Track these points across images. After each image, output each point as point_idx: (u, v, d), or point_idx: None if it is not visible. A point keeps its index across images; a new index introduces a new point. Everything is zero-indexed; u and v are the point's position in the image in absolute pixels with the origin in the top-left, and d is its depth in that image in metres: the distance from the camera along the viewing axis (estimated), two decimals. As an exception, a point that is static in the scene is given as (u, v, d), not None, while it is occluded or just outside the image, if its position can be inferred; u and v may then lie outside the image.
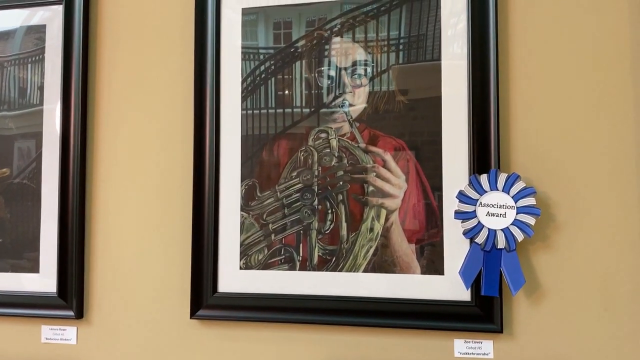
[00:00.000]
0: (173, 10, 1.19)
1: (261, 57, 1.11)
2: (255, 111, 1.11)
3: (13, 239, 1.22)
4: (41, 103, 1.22)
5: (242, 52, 1.12)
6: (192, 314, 1.10)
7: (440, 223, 1.01)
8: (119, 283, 1.17)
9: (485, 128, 0.99)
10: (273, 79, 1.10)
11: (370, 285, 1.03)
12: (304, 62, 1.09)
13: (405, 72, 1.04)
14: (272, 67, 1.10)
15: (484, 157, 0.99)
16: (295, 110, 1.09)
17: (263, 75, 1.11)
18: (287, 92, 1.09)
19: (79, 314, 1.17)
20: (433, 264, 1.01)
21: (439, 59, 1.03)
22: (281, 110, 1.09)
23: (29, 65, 1.24)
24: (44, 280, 1.20)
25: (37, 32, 1.23)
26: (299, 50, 1.09)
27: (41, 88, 1.23)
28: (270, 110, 1.10)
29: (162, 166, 1.17)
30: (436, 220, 1.01)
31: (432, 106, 1.02)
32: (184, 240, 1.13)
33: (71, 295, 1.17)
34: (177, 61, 1.17)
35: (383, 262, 1.03)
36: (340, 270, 1.04)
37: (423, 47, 1.04)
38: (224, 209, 1.11)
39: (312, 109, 1.08)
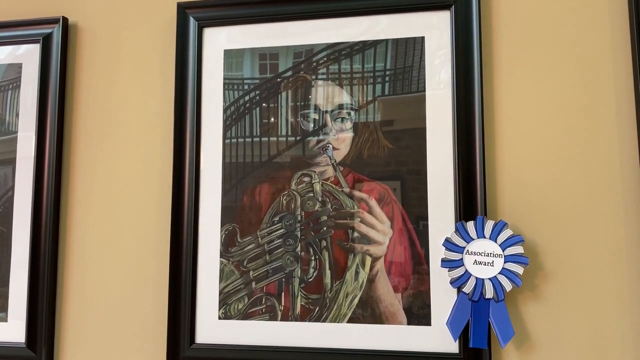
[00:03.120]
0: (154, 41, 1.16)
1: (246, 87, 1.09)
2: (238, 153, 1.08)
3: (-20, 284, 1.16)
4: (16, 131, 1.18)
5: (224, 85, 1.09)
6: (168, 367, 1.04)
7: (427, 271, 0.98)
8: (91, 333, 1.11)
9: (471, 174, 0.97)
10: (256, 118, 1.08)
11: (355, 337, 0.99)
12: (288, 103, 1.07)
13: (391, 104, 1.02)
14: (246, 106, 1.08)
15: (470, 202, 0.97)
16: (271, 154, 1.06)
17: (247, 106, 1.08)
18: (271, 137, 1.07)
19: (48, 366, 1.11)
20: (420, 314, 0.97)
21: (424, 89, 1.01)
22: (258, 154, 1.07)
23: (9, 92, 1.20)
24: (12, 329, 1.14)
25: (15, 70, 1.20)
26: (282, 85, 1.07)
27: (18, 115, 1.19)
28: (254, 152, 1.07)
29: (138, 209, 1.13)
30: (423, 268, 0.98)
31: (417, 160, 1.00)
32: (161, 288, 1.08)
33: (40, 346, 1.11)
34: (157, 98, 1.14)
35: (368, 312, 0.99)
36: (324, 321, 1.00)
37: (409, 78, 1.02)
38: (203, 255, 1.06)
39: (297, 141, 1.05)
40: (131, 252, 1.12)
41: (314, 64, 1.07)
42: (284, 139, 1.06)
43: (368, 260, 1.00)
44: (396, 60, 1.03)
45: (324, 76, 1.06)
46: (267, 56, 1.09)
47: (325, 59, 1.06)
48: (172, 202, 1.08)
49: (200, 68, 1.10)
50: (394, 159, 1.01)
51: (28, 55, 1.20)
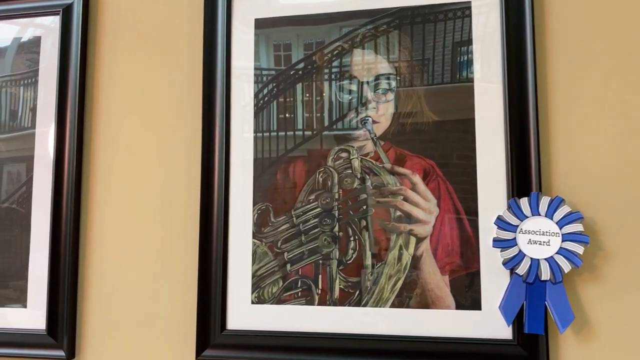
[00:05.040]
0: (179, 23, 1.10)
1: (266, 78, 1.02)
2: (266, 134, 1.01)
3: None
4: (33, 126, 1.12)
5: (254, 72, 1.03)
6: (198, 354, 0.98)
7: (476, 252, 0.91)
8: (115, 319, 1.06)
9: (524, 148, 0.90)
10: (284, 97, 1.01)
11: (398, 322, 0.92)
12: (321, 76, 1.00)
13: (434, 94, 0.95)
14: (282, 85, 1.01)
15: (524, 179, 0.90)
16: (307, 132, 0.99)
17: (274, 92, 1.02)
18: (302, 111, 1.00)
19: (71, 354, 1.05)
20: (469, 298, 0.90)
21: (468, 80, 0.94)
22: (291, 132, 1.00)
23: (21, 88, 1.14)
24: (31, 315, 1.08)
25: (30, 51, 1.14)
26: (316, 64, 1.00)
27: (33, 110, 1.13)
28: (281, 133, 1.01)
29: (165, 190, 1.06)
30: (472, 249, 0.91)
31: (464, 127, 0.93)
32: (189, 271, 1.02)
33: (62, 333, 1.05)
34: (183, 77, 1.08)
35: (413, 296, 0.92)
36: (365, 305, 0.94)
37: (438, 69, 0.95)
38: (234, 236, 1.00)
39: (332, 126, 0.98)
40: (157, 235, 1.06)
41: (349, 43, 0.99)
42: (319, 113, 0.99)
43: (412, 240, 0.93)
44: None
45: (362, 45, 0.99)
46: (280, 47, 1.02)
47: (366, 31, 0.99)
48: (201, 180, 1.02)
49: (229, 37, 1.04)
50: (439, 132, 0.94)
51: (47, 28, 1.14)
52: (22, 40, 1.16)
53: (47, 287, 1.06)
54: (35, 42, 1.15)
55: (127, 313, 1.05)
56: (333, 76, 1.00)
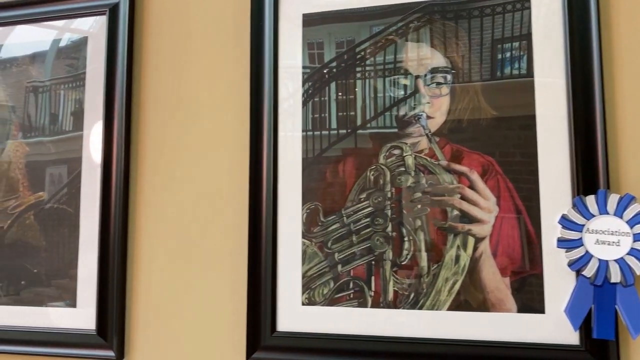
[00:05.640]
0: (225, 20, 1.08)
1: (310, 75, 0.99)
2: (316, 132, 0.99)
3: (48, 269, 1.11)
4: (76, 129, 1.12)
5: (302, 70, 1.00)
6: (248, 356, 0.96)
7: (539, 253, 0.86)
8: (164, 320, 1.05)
9: (591, 144, 0.85)
10: (333, 94, 0.98)
11: (456, 326, 0.89)
12: (372, 71, 0.97)
13: (492, 89, 0.91)
14: (331, 82, 0.99)
15: (590, 176, 0.85)
16: (361, 132, 0.96)
17: (323, 89, 0.99)
18: (350, 112, 0.97)
19: (120, 355, 1.05)
20: (532, 301, 0.86)
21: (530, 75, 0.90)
22: (344, 131, 0.97)
23: (62, 92, 1.15)
24: (81, 316, 1.08)
25: (69, 56, 1.14)
26: (366, 58, 0.97)
27: (74, 114, 1.13)
28: (330, 131, 0.98)
29: (213, 191, 1.05)
30: (534, 250, 0.87)
31: (525, 123, 0.89)
32: (239, 272, 1.01)
33: (112, 333, 1.05)
34: (229, 76, 1.07)
35: (472, 299, 0.88)
36: (421, 308, 0.90)
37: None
38: (283, 236, 0.98)
39: (383, 123, 0.95)
40: (206, 234, 1.04)
41: (400, 36, 0.96)
42: (370, 110, 0.96)
43: (470, 241, 0.89)
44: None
45: (415, 37, 0.96)
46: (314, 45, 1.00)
47: (418, 20, 0.96)
48: (249, 180, 1.00)
49: (276, 34, 1.02)
50: (498, 129, 0.90)
51: (89, 30, 1.14)
52: (61, 44, 1.16)
53: (97, 287, 1.06)
54: (75, 46, 1.15)
55: (176, 314, 1.04)
56: (385, 72, 0.96)
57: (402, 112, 0.94)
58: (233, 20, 1.07)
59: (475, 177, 0.90)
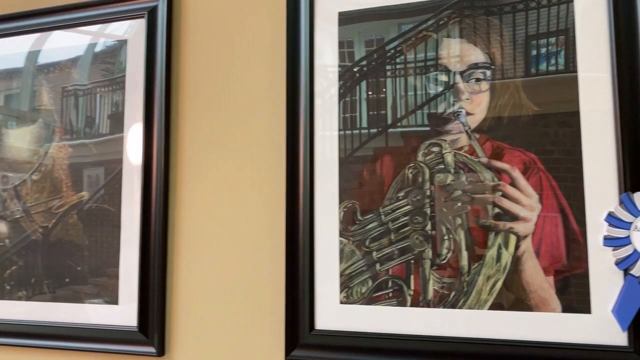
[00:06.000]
0: (261, 21, 1.09)
1: (347, 73, 0.99)
2: (354, 131, 0.98)
3: (91, 267, 1.14)
4: (116, 131, 1.14)
5: (338, 68, 1.00)
6: (287, 354, 0.97)
7: (584, 251, 0.84)
8: (204, 318, 1.06)
9: (638, 139, 0.83)
10: (369, 92, 0.98)
11: (497, 325, 0.87)
12: (408, 67, 0.96)
13: (533, 84, 0.89)
14: (366, 80, 0.98)
15: (638, 172, 0.82)
16: (393, 127, 0.96)
17: (358, 88, 0.99)
18: (382, 110, 0.97)
19: (161, 351, 1.07)
20: (577, 301, 0.84)
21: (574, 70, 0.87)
22: (377, 128, 0.97)
23: (97, 96, 1.17)
24: (123, 313, 1.11)
25: (104, 61, 1.17)
26: (402, 55, 0.97)
27: (114, 116, 1.15)
28: (366, 130, 0.98)
29: (250, 189, 1.06)
30: (579, 248, 0.85)
31: (568, 119, 0.87)
32: (277, 270, 1.01)
33: (153, 330, 1.07)
34: (266, 76, 1.07)
35: (514, 298, 0.87)
36: (461, 307, 0.89)
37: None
38: (320, 234, 0.98)
39: (421, 120, 0.94)
40: (244, 233, 1.05)
41: (435, 33, 0.95)
42: (407, 107, 0.95)
43: (512, 239, 0.87)
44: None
45: (453, 33, 0.94)
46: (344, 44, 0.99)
47: (449, 17, 0.95)
48: (286, 179, 1.01)
49: (312, 33, 1.02)
50: (541, 123, 0.88)
51: (129, 33, 1.16)
52: (97, 49, 1.19)
53: (138, 285, 1.08)
54: (110, 51, 1.17)
55: (216, 312, 1.06)
56: (421, 69, 0.95)
57: (440, 109, 0.93)
58: (269, 20, 1.08)
59: (516, 174, 0.88)
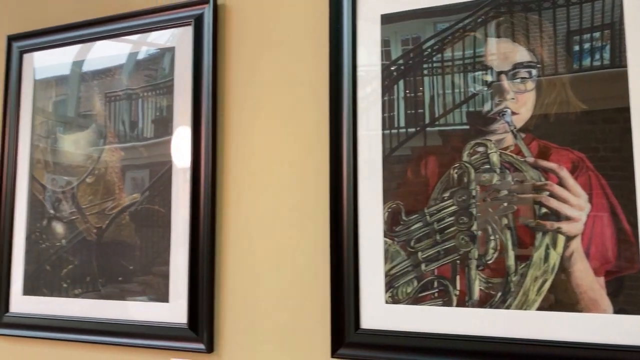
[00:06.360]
0: (304, 24, 1.11)
1: (391, 73, 1.00)
2: (394, 131, 0.99)
3: (142, 266, 1.18)
4: (164, 134, 1.19)
5: (380, 67, 1.01)
6: (333, 353, 0.98)
7: (636, 251, 0.83)
8: (251, 316, 1.09)
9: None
10: (411, 92, 0.98)
11: (545, 326, 0.86)
12: (453, 67, 0.96)
13: (581, 81, 0.88)
14: (408, 80, 0.99)
15: (693, 169, 0.80)
16: (437, 127, 0.96)
17: (400, 88, 0.99)
18: (420, 109, 0.97)
19: (210, 348, 1.10)
20: (630, 302, 0.82)
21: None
22: (421, 127, 0.97)
23: (140, 100, 1.22)
24: (173, 310, 1.15)
25: (147, 67, 1.21)
26: (444, 55, 0.97)
27: (161, 120, 1.20)
28: (409, 129, 0.98)
29: (295, 192, 1.08)
30: (631, 248, 0.83)
31: (618, 116, 0.85)
32: (322, 270, 1.03)
33: (202, 327, 1.10)
34: (309, 78, 1.09)
35: (563, 299, 0.86)
36: (508, 308, 0.89)
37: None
38: (365, 235, 0.99)
39: (466, 119, 0.94)
40: (289, 233, 1.08)
41: (480, 33, 0.95)
42: (450, 106, 0.96)
43: (560, 239, 0.87)
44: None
45: (494, 32, 0.94)
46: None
47: (493, 13, 0.94)
48: (330, 179, 1.02)
49: (355, 35, 1.03)
50: (589, 121, 0.87)
51: (170, 42, 1.20)
52: (139, 57, 1.24)
53: (187, 283, 1.12)
54: (152, 59, 1.22)
55: (263, 310, 1.08)
56: (461, 66, 0.95)
57: (485, 109, 0.93)
58: (312, 22, 1.10)
59: (564, 173, 0.87)
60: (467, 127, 0.94)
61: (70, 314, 1.25)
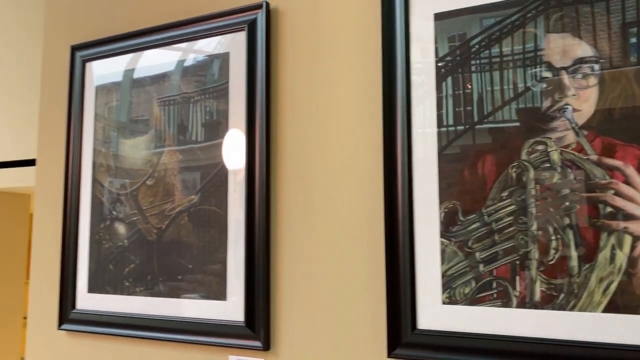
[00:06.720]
0: (356, 25, 1.12)
1: (443, 70, 0.99)
2: (450, 128, 0.98)
3: (201, 265, 1.22)
4: (217, 137, 1.22)
5: (436, 65, 1.01)
6: (390, 353, 0.99)
7: None
8: (307, 316, 1.11)
9: None
10: (466, 89, 0.97)
11: (611, 329, 0.84)
12: (510, 63, 0.95)
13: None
14: (463, 76, 0.98)
15: None
16: (493, 124, 0.95)
17: (455, 85, 0.98)
18: (485, 103, 0.96)
19: (267, 346, 1.12)
20: None
21: None
22: (477, 126, 0.96)
23: (183, 106, 1.26)
24: (230, 308, 1.18)
25: (196, 74, 1.25)
26: (502, 51, 0.95)
27: (205, 125, 1.23)
28: (465, 127, 0.97)
29: (349, 192, 1.09)
30: None
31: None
32: (377, 271, 1.04)
33: (259, 326, 1.13)
34: (362, 78, 1.10)
35: (631, 301, 0.83)
36: (571, 310, 0.87)
37: None
38: (421, 235, 0.99)
39: (524, 117, 0.93)
40: (344, 233, 1.08)
41: (534, 28, 0.93)
42: (508, 104, 0.94)
43: (627, 239, 0.84)
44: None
45: (553, 26, 0.92)
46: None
47: (543, 7, 0.92)
48: (384, 179, 1.02)
49: (408, 33, 1.03)
50: (657, 116, 0.84)
51: (217, 49, 1.23)
52: (186, 64, 1.28)
53: (244, 282, 1.15)
54: (201, 65, 1.25)
55: (319, 310, 1.10)
56: (523, 62, 0.94)
57: (544, 106, 0.91)
58: (364, 24, 1.10)
59: (630, 171, 0.84)
60: (523, 124, 0.92)
61: (131, 311, 1.30)
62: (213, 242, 1.21)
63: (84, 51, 1.46)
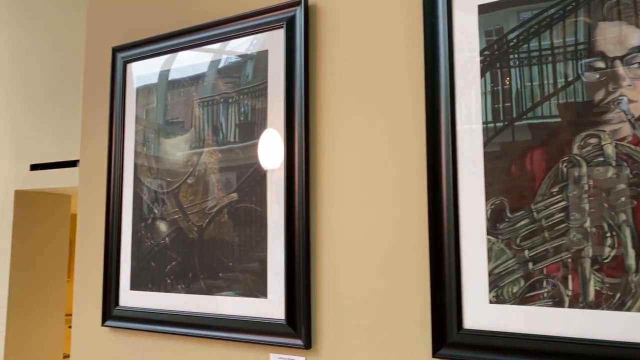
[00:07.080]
0: (396, 22, 1.10)
1: (484, 64, 0.96)
2: (498, 124, 0.96)
3: (241, 262, 1.22)
4: (241, 140, 1.22)
5: (480, 59, 0.98)
6: (434, 352, 0.97)
7: None
8: (349, 315, 1.09)
9: None
10: (516, 83, 0.94)
11: (673, 331, 0.80)
12: (561, 55, 0.91)
13: None
14: (511, 70, 0.95)
15: None
16: (542, 119, 0.91)
17: (501, 79, 0.95)
18: (535, 96, 0.93)
19: (308, 344, 1.12)
20: None
21: None
22: (524, 121, 0.93)
23: (220, 106, 1.26)
24: (272, 306, 1.17)
25: (228, 75, 1.25)
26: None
27: (239, 125, 1.23)
28: (512, 122, 0.94)
29: (391, 189, 1.07)
30: None
31: None
32: (421, 269, 1.02)
33: (300, 324, 1.12)
34: (404, 75, 1.08)
35: (694, 301, 0.79)
36: (629, 310, 0.83)
37: None
38: (466, 233, 0.97)
39: (577, 110, 0.89)
40: (386, 231, 1.07)
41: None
42: (558, 97, 0.91)
43: (689, 236, 0.80)
44: None
45: (602, 14, 0.88)
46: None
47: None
48: (427, 175, 1.00)
49: (451, 28, 1.01)
50: None
51: (250, 50, 1.23)
52: (221, 65, 1.28)
53: (285, 281, 1.14)
54: (235, 66, 1.25)
55: (360, 308, 1.08)
56: (576, 54, 0.90)
57: (598, 98, 0.88)
58: (404, 19, 1.08)
59: (693, 165, 0.80)
60: (573, 118, 0.89)
61: (173, 308, 1.31)
62: (253, 240, 1.21)
63: (125, 52, 1.49)
